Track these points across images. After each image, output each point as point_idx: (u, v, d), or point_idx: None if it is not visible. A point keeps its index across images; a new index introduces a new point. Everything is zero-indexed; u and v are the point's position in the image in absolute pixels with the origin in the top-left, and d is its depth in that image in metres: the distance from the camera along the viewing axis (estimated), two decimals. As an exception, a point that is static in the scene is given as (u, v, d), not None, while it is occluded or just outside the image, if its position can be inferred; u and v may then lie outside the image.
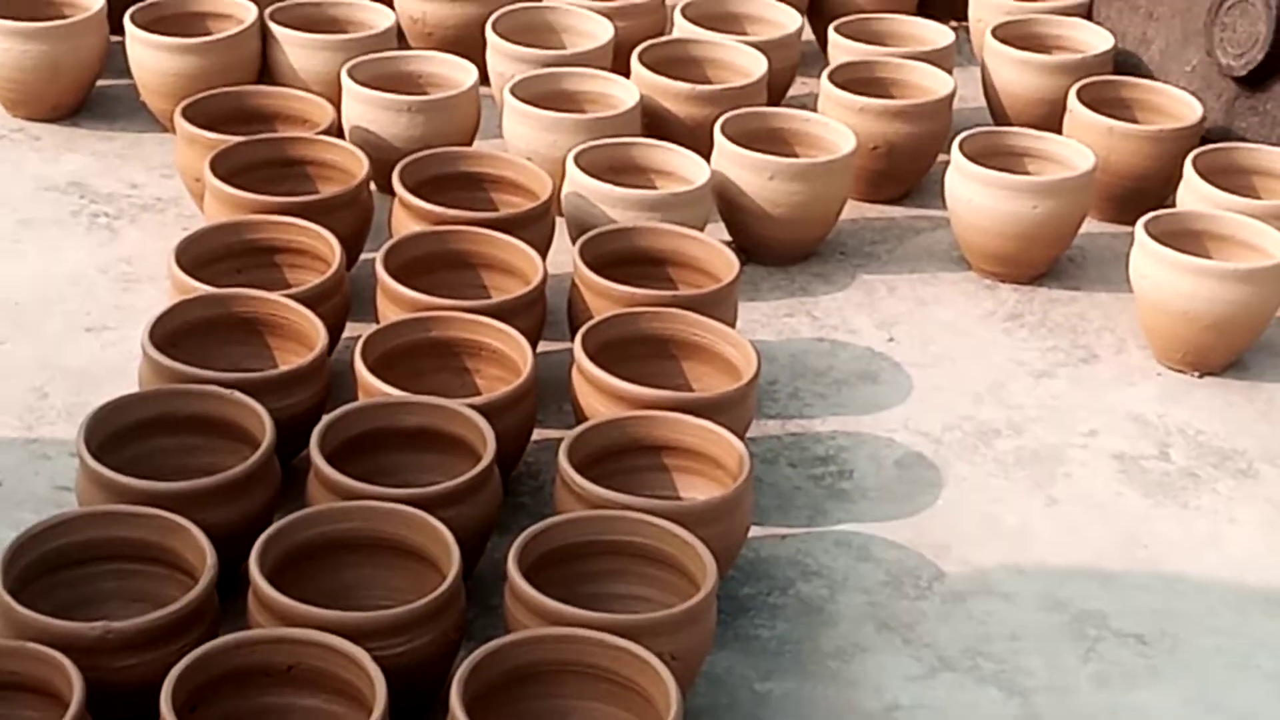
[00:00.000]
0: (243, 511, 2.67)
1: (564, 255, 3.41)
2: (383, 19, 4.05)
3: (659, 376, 3.07)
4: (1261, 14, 3.85)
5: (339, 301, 3.18)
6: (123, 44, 3.96)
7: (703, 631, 2.52)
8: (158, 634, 2.39)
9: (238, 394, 2.81)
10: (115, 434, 2.76)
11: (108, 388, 3.07)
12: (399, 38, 4.12)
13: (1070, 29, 4.21)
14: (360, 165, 3.48)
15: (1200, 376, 3.45)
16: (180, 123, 3.58)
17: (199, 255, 3.20)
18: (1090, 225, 3.80)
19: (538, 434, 3.05)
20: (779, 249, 3.70)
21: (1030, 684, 2.72)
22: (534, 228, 3.38)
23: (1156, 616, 2.86)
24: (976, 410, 3.33)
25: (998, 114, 4.14)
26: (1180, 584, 2.94)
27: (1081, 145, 3.73)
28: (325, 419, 2.79)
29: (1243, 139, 3.88)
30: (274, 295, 3.06)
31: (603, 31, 4.05)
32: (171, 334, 2.98)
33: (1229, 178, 3.66)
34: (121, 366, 3.18)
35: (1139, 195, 3.82)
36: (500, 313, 3.08)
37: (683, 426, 2.87)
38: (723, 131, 3.67)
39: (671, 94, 3.86)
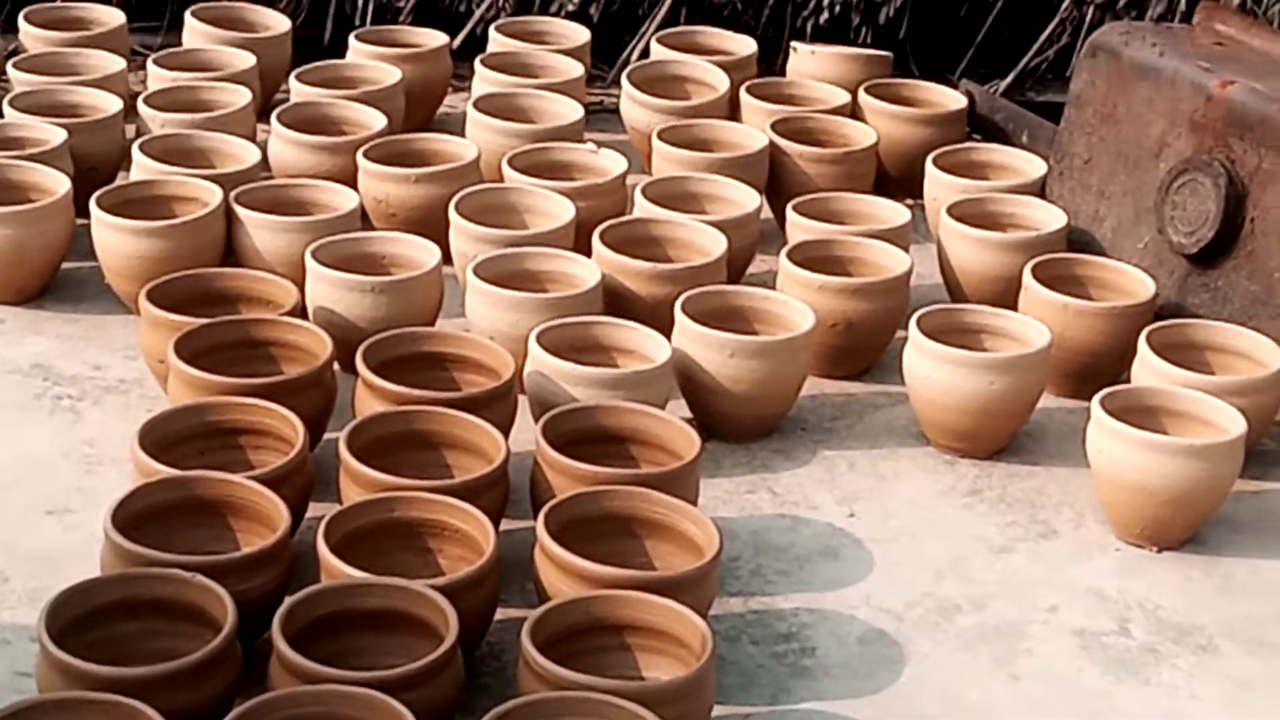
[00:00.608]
0: (204, 696, 2.68)
1: (526, 434, 3.46)
2: (347, 201, 4.13)
3: (622, 555, 3.11)
4: (1211, 193, 3.96)
5: (302, 483, 3.21)
6: (88, 226, 4.03)
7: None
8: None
9: (200, 577, 2.84)
10: (77, 619, 2.78)
11: (69, 571, 3.08)
12: (363, 219, 4.20)
13: (1024, 207, 4.31)
14: (324, 346, 3.54)
15: (1159, 551, 3.51)
16: (145, 305, 3.64)
17: (162, 437, 3.24)
18: (1047, 400, 3.87)
19: (501, 613, 3.08)
20: (740, 426, 3.76)
21: None
22: (496, 407, 3.44)
23: (1120, 793, 2.88)
24: (938, 586, 3.37)
25: (954, 291, 4.23)
26: (1143, 760, 2.96)
27: (1037, 322, 3.81)
28: (288, 602, 2.81)
29: (1195, 315, 3.97)
30: (237, 477, 3.10)
31: (564, 211, 4.13)
32: (134, 517, 3.01)
33: (1183, 353, 3.74)
34: (83, 550, 3.20)
35: (1095, 371, 3.89)
36: (463, 492, 3.12)
37: (646, 606, 2.90)
38: (683, 310, 3.74)
39: (632, 273, 3.93)
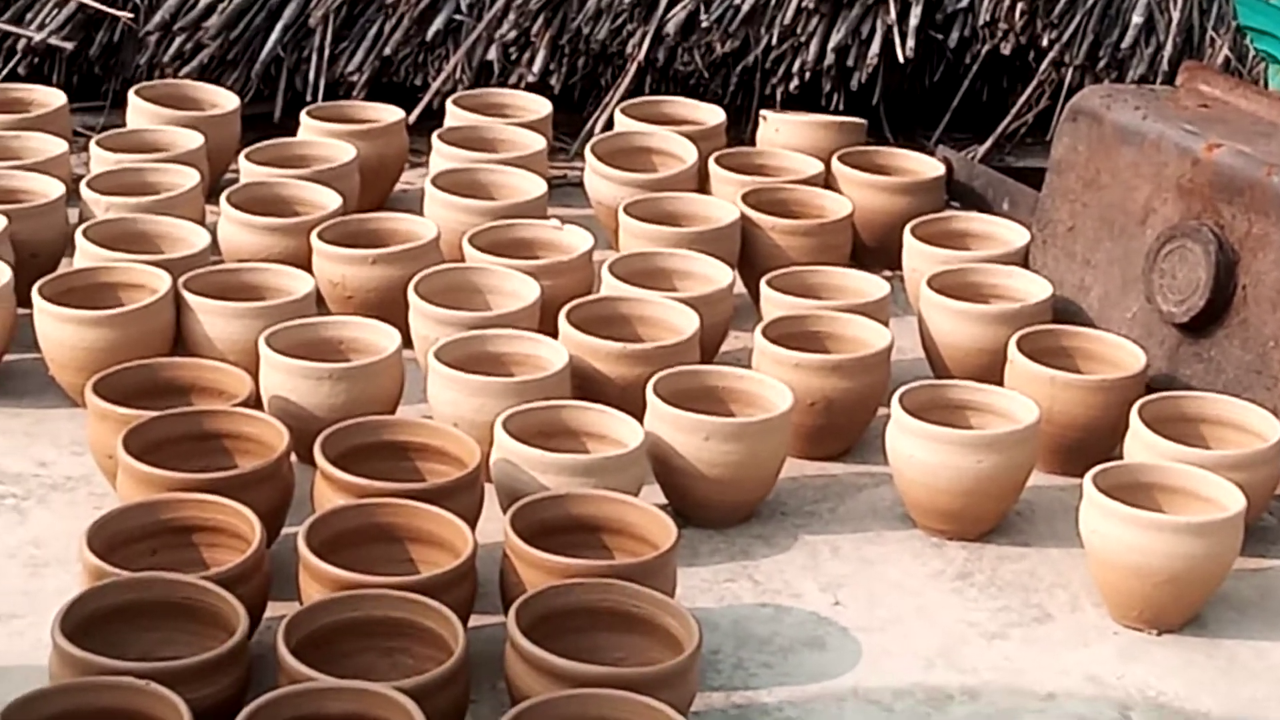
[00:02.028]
0: (160, 811, 2.65)
1: (494, 524, 3.44)
2: (301, 284, 4.12)
3: (597, 651, 3.09)
4: (1201, 260, 3.97)
5: (259, 582, 3.19)
6: (30, 316, 4.01)
7: None
8: None
9: (154, 685, 2.81)
10: (24, 731, 2.75)
11: (16, 679, 3.05)
12: (318, 303, 4.19)
13: (1007, 278, 4.32)
14: (280, 438, 3.52)
15: (1158, 634, 3.50)
16: (91, 398, 3.62)
17: (112, 537, 3.21)
18: (1037, 478, 3.86)
19: (471, 715, 3.05)
20: (717, 511, 3.74)
21: None
22: (462, 497, 3.42)
23: None
24: (928, 675, 3.35)
25: (937, 366, 4.23)
26: None
27: (1024, 397, 3.81)
28: (247, 709, 2.78)
29: (1188, 387, 3.98)
30: (191, 578, 3.07)
31: (528, 291, 4.13)
32: (83, 621, 2.98)
33: (1177, 427, 3.74)
34: (30, 656, 3.17)
35: (1085, 446, 3.89)
36: (429, 589, 3.10)
37: (624, 705, 2.88)
38: (656, 391, 3.73)
39: (602, 354, 3.93)
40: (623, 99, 5.34)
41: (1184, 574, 3.40)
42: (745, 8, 5.41)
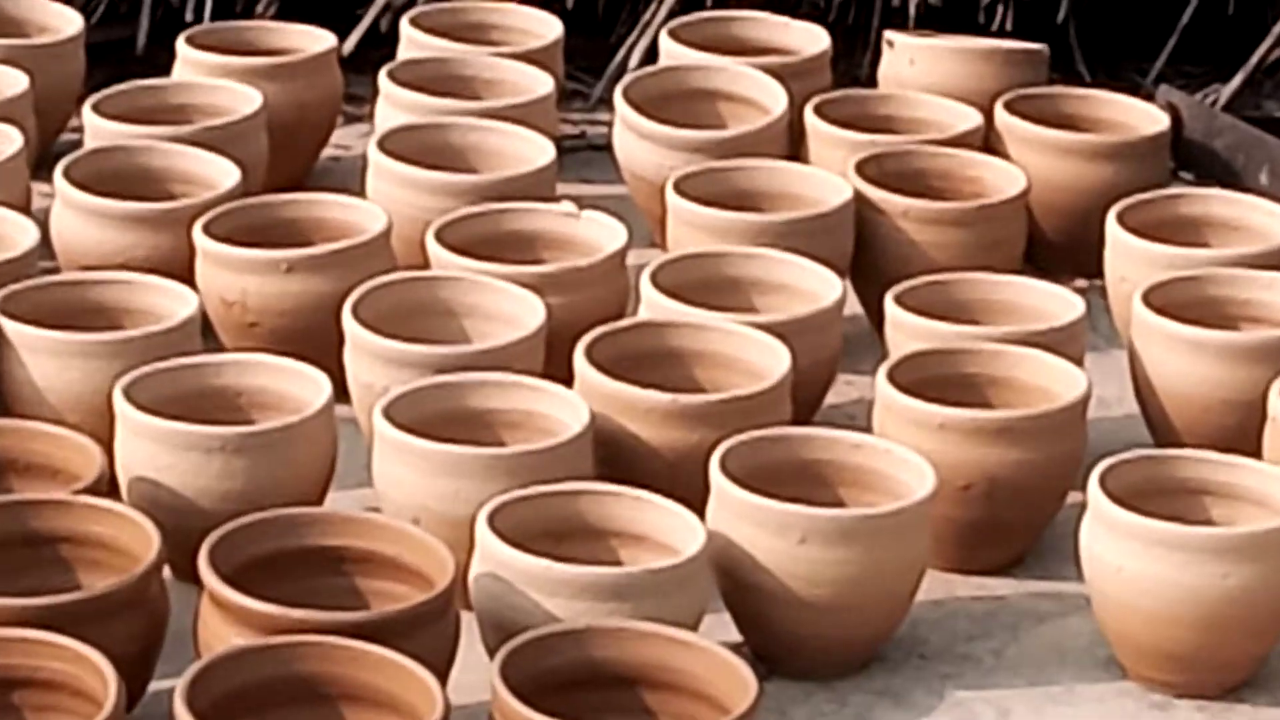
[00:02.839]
0: None
1: (475, 675, 3.45)
2: (179, 304, 4.14)
3: None
4: None
5: (115, 768, 3.20)
6: None
7: None
8: None
9: None
10: None
11: None
12: (205, 333, 4.20)
13: (1267, 290, 4.32)
14: (146, 542, 3.52)
15: None
16: None
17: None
18: (1315, 601, 3.87)
19: None
20: (821, 653, 3.75)
21: None
22: (427, 634, 3.42)
23: None
24: None
25: (1159, 427, 4.24)
26: None
27: (1293, 474, 3.83)
28: None
29: None
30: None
31: (528, 314, 4.13)
32: None
33: None
34: None
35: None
36: (377, 777, 3.11)
37: None
38: (724, 468, 3.74)
39: (641, 410, 3.94)
40: (670, 17, 5.36)
41: None
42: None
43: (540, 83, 4.96)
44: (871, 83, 5.22)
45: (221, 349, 4.25)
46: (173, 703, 3.21)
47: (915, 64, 5.07)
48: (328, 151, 5.20)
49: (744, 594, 3.73)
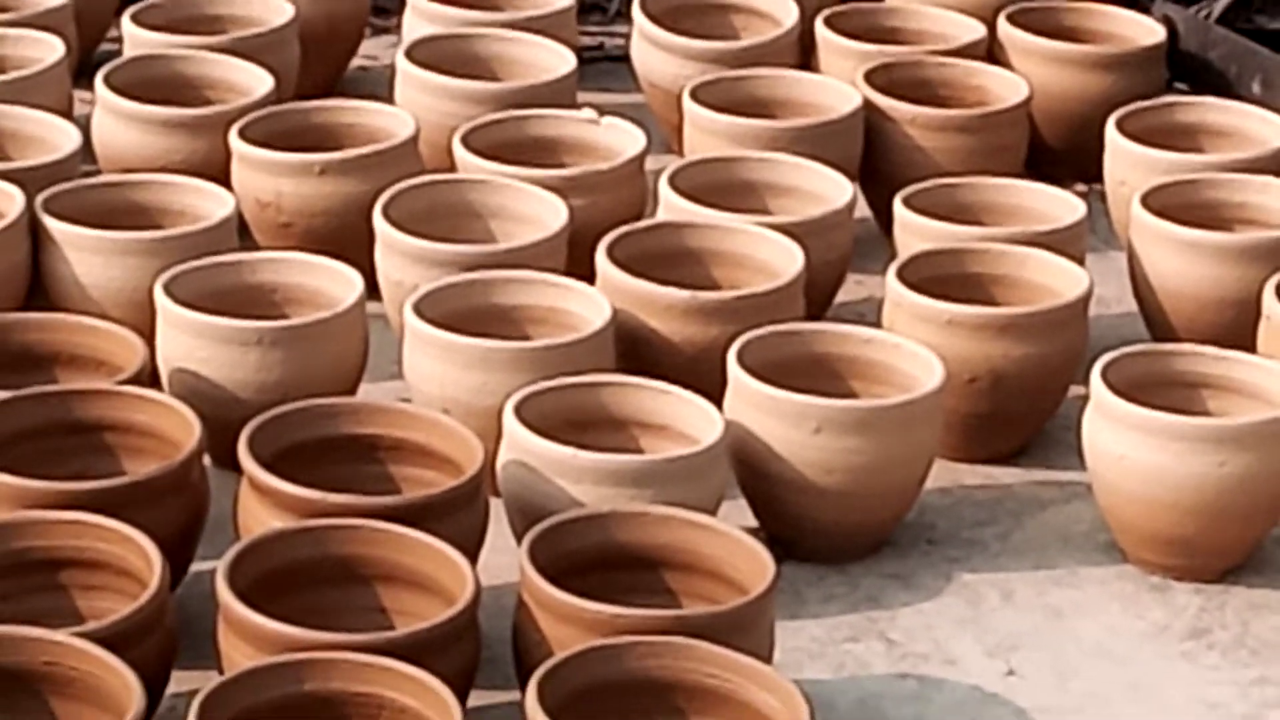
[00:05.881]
0: None
1: (505, 557, 3.46)
2: (216, 205, 4.14)
3: (658, 744, 3.11)
4: None
5: (159, 642, 3.20)
6: None
7: None
8: None
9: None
10: None
11: None
12: (241, 232, 4.20)
13: (1261, 193, 4.32)
14: (187, 430, 3.53)
15: None
16: (-93, 373, 3.67)
17: (-54, 573, 3.25)
18: (1307, 489, 3.87)
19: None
20: (833, 538, 3.76)
21: None
22: (457, 518, 3.43)
23: None
24: (1147, 781, 3.38)
25: (1157, 323, 4.24)
26: None
27: (1287, 368, 3.83)
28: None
29: None
30: (59, 636, 3.08)
31: (551, 215, 4.14)
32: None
33: None
34: None
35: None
36: (411, 651, 3.11)
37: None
38: (741, 361, 3.74)
39: (660, 306, 3.94)
40: (687, -68, 5.35)
41: None
42: None
43: (562, -6, 4.97)
44: (880, -5, 5.21)
45: (257, 248, 4.25)
46: (214, 582, 3.23)
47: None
48: (356, 61, 5.20)
49: (760, 481, 3.74)
